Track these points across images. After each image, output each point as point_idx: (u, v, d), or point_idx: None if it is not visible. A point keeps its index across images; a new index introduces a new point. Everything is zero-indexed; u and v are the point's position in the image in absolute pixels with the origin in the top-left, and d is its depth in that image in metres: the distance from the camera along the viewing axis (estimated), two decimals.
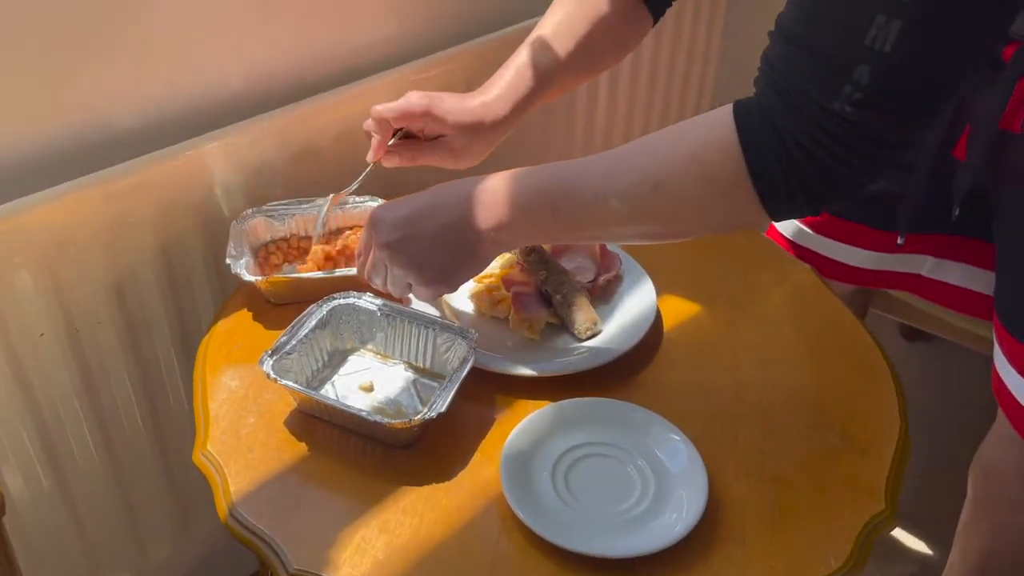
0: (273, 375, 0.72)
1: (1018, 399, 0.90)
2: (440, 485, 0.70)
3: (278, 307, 0.86)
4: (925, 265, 1.06)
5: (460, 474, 0.71)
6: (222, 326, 0.84)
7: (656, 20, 0.92)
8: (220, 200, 0.95)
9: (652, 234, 0.67)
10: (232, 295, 0.89)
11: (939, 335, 1.23)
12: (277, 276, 0.85)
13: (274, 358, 0.73)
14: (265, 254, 0.91)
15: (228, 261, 0.84)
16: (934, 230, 1.03)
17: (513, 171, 0.70)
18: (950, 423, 1.42)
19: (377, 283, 0.76)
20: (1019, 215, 0.88)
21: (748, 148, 0.58)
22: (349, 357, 0.81)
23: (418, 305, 0.83)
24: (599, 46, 0.90)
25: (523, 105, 0.86)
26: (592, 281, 0.87)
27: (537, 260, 0.84)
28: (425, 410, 0.70)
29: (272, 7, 0.96)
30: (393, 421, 0.69)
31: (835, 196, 0.59)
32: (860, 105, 0.54)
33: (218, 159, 0.93)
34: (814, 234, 1.10)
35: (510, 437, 0.71)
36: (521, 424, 0.72)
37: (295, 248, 0.92)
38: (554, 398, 0.75)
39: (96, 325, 0.90)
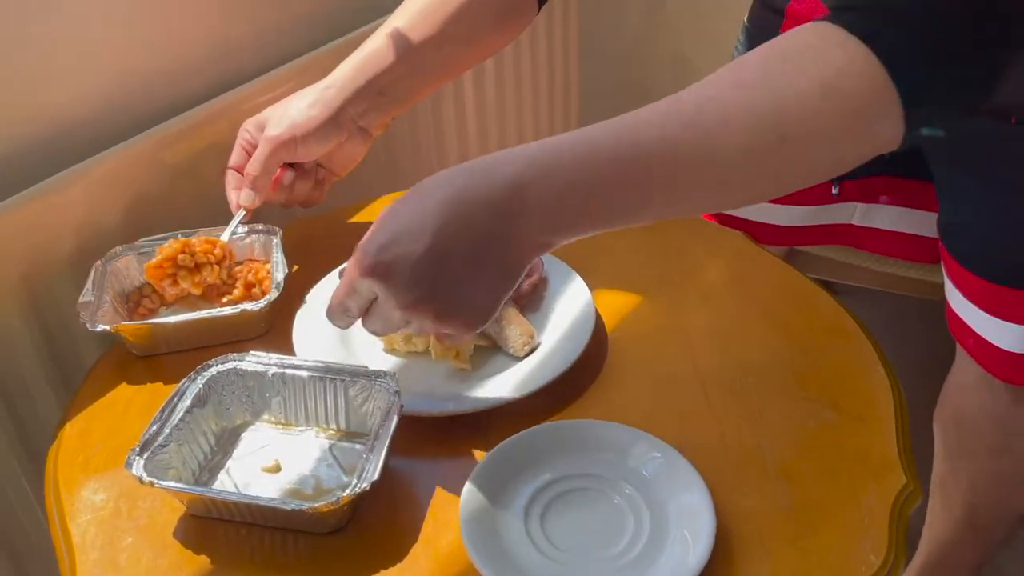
0: (147, 478, 0.55)
1: (985, 337, 0.84)
2: (389, 571, 0.55)
3: (146, 386, 0.70)
4: (855, 213, 1.00)
5: (412, 550, 0.56)
6: (71, 428, 0.67)
7: (541, 3, 0.81)
8: (94, 245, 0.79)
9: (764, 193, 0.56)
10: (85, 378, 0.72)
11: (863, 286, 1.19)
12: (132, 323, 0.70)
13: (145, 456, 0.57)
14: (138, 298, 0.76)
15: (79, 310, 0.69)
16: (865, 173, 0.97)
17: (546, 147, 0.52)
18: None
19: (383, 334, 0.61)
20: (960, 141, 0.81)
21: (890, 55, 0.49)
22: (242, 434, 0.65)
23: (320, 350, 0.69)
24: (476, 27, 0.79)
25: (371, 89, 0.76)
26: (515, 289, 0.75)
27: None
28: (355, 482, 0.55)
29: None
30: (316, 504, 0.54)
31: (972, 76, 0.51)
32: None
33: (83, 197, 0.78)
34: None
35: (464, 492, 0.57)
36: (475, 473, 0.58)
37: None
38: (503, 434, 0.62)
39: None
